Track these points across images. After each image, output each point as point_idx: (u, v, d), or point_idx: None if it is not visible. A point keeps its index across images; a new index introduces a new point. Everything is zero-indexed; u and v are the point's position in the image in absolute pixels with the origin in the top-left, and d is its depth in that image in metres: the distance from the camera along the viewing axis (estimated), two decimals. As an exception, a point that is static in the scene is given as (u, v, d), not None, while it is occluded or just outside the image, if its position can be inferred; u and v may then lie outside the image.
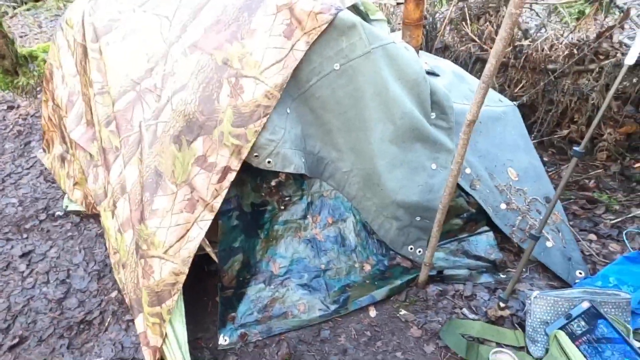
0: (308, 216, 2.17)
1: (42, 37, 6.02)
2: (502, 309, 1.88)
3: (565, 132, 2.94)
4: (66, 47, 2.54)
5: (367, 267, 2.16)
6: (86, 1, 2.22)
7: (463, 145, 1.62)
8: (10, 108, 4.20)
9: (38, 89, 4.47)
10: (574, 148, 1.58)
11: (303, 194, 2.16)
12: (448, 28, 3.55)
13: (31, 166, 3.31)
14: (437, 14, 3.72)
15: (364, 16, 2.59)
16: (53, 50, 2.70)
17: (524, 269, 2.08)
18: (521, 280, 2.05)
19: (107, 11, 2.04)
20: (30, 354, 1.95)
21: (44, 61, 4.63)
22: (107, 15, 2.03)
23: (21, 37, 5.98)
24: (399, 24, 3.91)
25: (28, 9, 7.32)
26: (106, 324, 2.06)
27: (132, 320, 2.03)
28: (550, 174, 2.68)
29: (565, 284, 2.05)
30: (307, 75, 1.92)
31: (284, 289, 2.05)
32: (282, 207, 2.13)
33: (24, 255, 2.47)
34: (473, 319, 1.90)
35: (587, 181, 2.69)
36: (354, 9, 2.53)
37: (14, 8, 7.20)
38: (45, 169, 3.21)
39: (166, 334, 1.75)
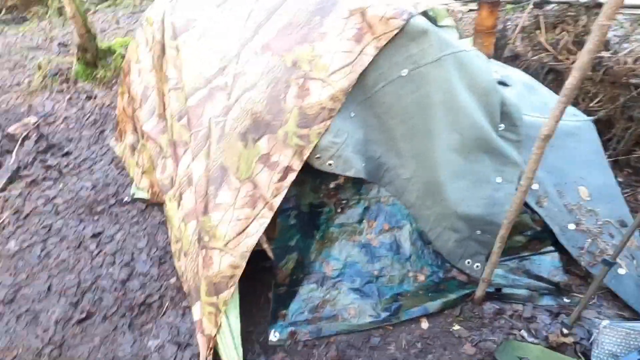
0: (364, 221, 2.16)
1: (119, 33, 6.42)
2: (565, 335, 1.77)
3: (644, 151, 2.73)
4: (145, 43, 2.69)
5: (421, 278, 2.11)
6: (167, 1, 2.35)
7: (535, 160, 1.55)
8: (89, 98, 4.51)
9: (114, 81, 4.77)
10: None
11: (360, 198, 2.16)
12: (520, 36, 3.41)
13: (104, 153, 3.53)
14: (509, 22, 3.59)
15: (433, 22, 2.54)
16: (132, 46, 2.87)
17: (591, 296, 1.96)
18: (588, 307, 1.93)
19: (186, 11, 2.14)
20: (95, 329, 2.08)
21: (121, 55, 4.94)
22: (186, 14, 2.13)
23: (101, 32, 6.40)
24: (466, 30, 3.80)
25: (108, 6, 7.85)
26: (164, 308, 2.16)
27: (189, 307, 2.12)
28: (626, 195, 2.49)
29: (638, 316, 1.90)
30: (374, 80, 1.91)
31: (336, 292, 2.05)
32: (339, 210, 2.14)
33: (94, 236, 2.64)
34: (532, 343, 1.81)
35: (667, 206, 2.49)
36: (423, 14, 2.49)
37: (96, 5, 7.74)
38: (117, 156, 3.41)
39: (221, 324, 1.81)
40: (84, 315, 2.14)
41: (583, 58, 1.30)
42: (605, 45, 2.89)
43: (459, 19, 3.96)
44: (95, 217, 2.80)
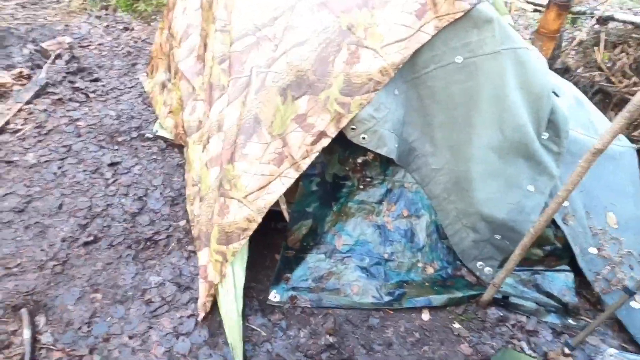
0: (384, 202, 2.12)
1: (165, -30, 6.29)
2: (565, 355, 1.75)
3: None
4: (195, -19, 2.61)
5: (430, 270, 2.09)
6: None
7: (579, 174, 1.49)
8: (125, 29, 4.45)
9: (153, 17, 4.70)
10: None
11: (385, 179, 2.12)
12: (574, 50, 3.28)
13: (133, 86, 3.50)
14: (565, 33, 3.45)
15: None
16: (181, -17, 2.79)
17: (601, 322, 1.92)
18: (593, 333, 1.89)
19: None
20: (100, 254, 2.09)
21: (164, -8, 4.85)
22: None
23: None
24: (520, 33, 3.67)
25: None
26: (170, 248, 2.15)
27: (194, 252, 2.12)
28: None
29: (640, 351, 1.87)
30: (426, 61, 1.84)
31: (343, 266, 2.04)
32: (361, 187, 2.10)
33: (111, 164, 2.63)
34: (530, 356, 1.79)
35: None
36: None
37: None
38: (145, 92, 3.38)
39: (225, 274, 1.80)
40: (90, 239, 2.14)
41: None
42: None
43: (515, 21, 3.82)
44: (115, 147, 2.79)
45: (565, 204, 2.06)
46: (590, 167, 1.48)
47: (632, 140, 2.63)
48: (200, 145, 2.11)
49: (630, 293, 1.56)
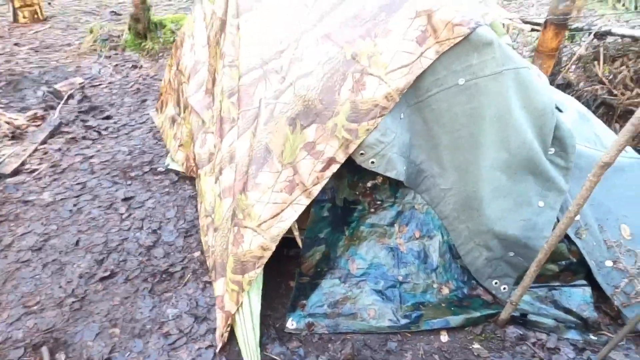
0: (395, 225, 2.14)
1: (170, 10, 6.54)
2: (589, 372, 1.72)
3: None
4: (202, 19, 2.73)
5: (445, 291, 2.08)
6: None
7: (589, 188, 1.51)
8: (134, 67, 4.60)
9: (160, 54, 4.86)
10: None
11: (395, 201, 2.14)
12: (574, 65, 3.34)
13: (143, 122, 3.60)
14: (564, 49, 3.51)
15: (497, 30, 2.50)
16: (189, 20, 2.91)
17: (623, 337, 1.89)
18: (616, 348, 1.86)
19: (253, -10, 2.15)
20: (117, 288, 2.11)
21: (171, 31, 5.03)
22: (252, -6, 2.14)
23: (153, 6, 6.52)
24: (519, 52, 3.74)
25: (162, -18, 7.97)
26: (186, 280, 2.17)
27: (210, 282, 2.13)
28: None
29: (666, 366, 1.83)
30: (429, 85, 1.89)
31: (358, 290, 2.04)
32: (372, 210, 2.12)
33: (125, 199, 2.68)
34: (553, 374, 1.76)
35: None
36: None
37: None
38: (155, 127, 3.47)
39: (242, 303, 1.81)
40: (107, 274, 2.17)
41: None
42: (666, 85, 2.81)
43: (513, 40, 3.90)
44: (129, 182, 2.85)
45: (577, 217, 2.06)
46: (599, 181, 1.49)
47: (638, 152, 2.65)
48: (212, 177, 2.16)
49: (650, 305, 1.54)
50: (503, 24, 2.75)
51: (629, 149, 2.40)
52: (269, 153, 1.87)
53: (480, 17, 1.84)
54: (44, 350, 1.80)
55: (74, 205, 2.61)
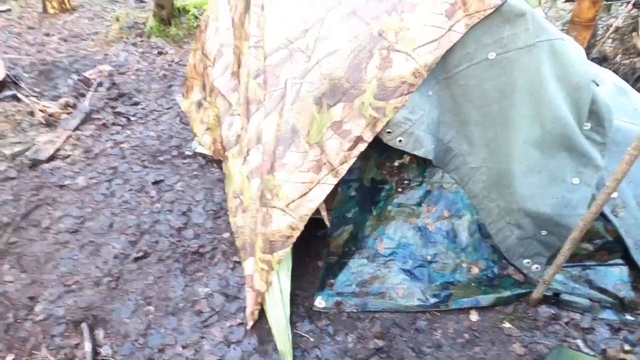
0: (423, 204, 2.11)
1: (193, -5, 6.54)
2: (626, 352, 1.68)
3: None
4: (226, 1, 2.72)
5: (475, 270, 2.06)
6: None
7: (628, 162, 1.45)
8: (160, 53, 4.65)
9: (184, 40, 4.89)
10: None
11: (423, 180, 2.11)
12: (610, 38, 3.19)
13: (170, 107, 3.65)
14: (599, 21, 3.36)
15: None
16: (212, 4, 2.91)
17: (659, 316, 1.84)
18: (654, 328, 1.82)
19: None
20: (150, 268, 2.17)
21: (194, 16, 5.05)
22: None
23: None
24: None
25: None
26: (216, 260, 2.22)
27: (239, 262, 2.17)
28: None
29: None
30: (458, 60, 1.84)
31: (386, 270, 2.04)
32: (400, 190, 2.11)
33: (155, 182, 2.74)
34: (587, 354, 1.73)
35: None
36: None
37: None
38: (182, 111, 3.51)
39: (271, 282, 1.84)
40: (141, 254, 2.24)
41: None
42: None
43: (545, 13, 3.75)
44: (158, 166, 2.91)
45: (614, 195, 1.98)
46: (638, 156, 1.43)
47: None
48: (239, 159, 2.18)
49: (693, 283, 1.49)
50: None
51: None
52: (296, 133, 1.87)
53: (512, -12, 1.77)
54: (84, 326, 1.88)
55: (107, 189, 2.69)
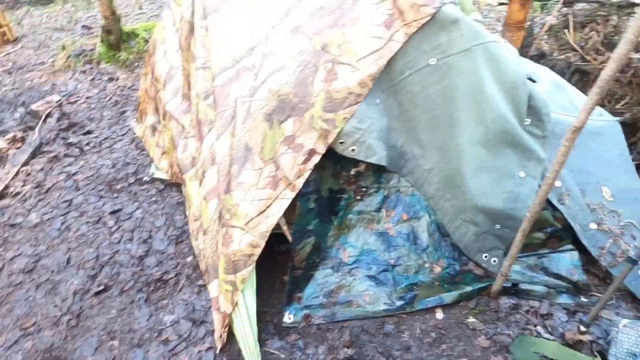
0: (382, 209, 2.16)
1: (142, 18, 6.46)
2: (582, 333, 1.76)
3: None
4: (171, 24, 2.71)
5: (437, 269, 2.11)
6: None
7: (564, 153, 1.53)
8: (111, 80, 4.55)
9: (136, 64, 4.81)
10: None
11: (380, 186, 2.15)
12: (546, 35, 3.37)
13: (124, 134, 3.57)
14: (536, 19, 3.54)
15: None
16: (159, 27, 2.89)
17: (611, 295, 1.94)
18: (606, 307, 1.91)
19: (218, -9, 2.15)
20: (112, 301, 2.11)
21: (144, 39, 4.98)
22: (217, -6, 2.14)
23: (123, 16, 6.44)
24: (491, 27, 3.77)
25: (132, -8, 7.86)
26: (180, 286, 2.18)
27: (204, 285, 2.14)
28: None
29: (656, 319, 1.88)
30: (401, 68, 1.90)
31: (351, 278, 2.06)
32: (358, 197, 2.14)
33: (113, 212, 2.67)
34: (548, 339, 1.80)
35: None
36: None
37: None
38: (137, 137, 3.45)
39: (237, 302, 1.82)
40: (101, 288, 2.17)
41: (621, 49, 1.28)
42: (636, 47, 2.85)
43: (484, 16, 3.92)
44: (115, 195, 2.84)
45: (559, 184, 2.09)
46: (572, 146, 1.52)
47: (616, 114, 2.69)
48: (196, 181, 2.16)
49: (633, 262, 1.58)
50: (473, 1, 2.77)
51: (604, 112, 2.44)
52: (249, 151, 1.87)
53: (444, -4, 1.85)
54: (45, 369, 1.80)
55: (62, 223, 2.60)
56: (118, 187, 2.92)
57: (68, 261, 2.34)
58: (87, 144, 3.42)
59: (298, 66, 1.84)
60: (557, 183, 2.08)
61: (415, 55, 1.86)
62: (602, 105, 2.83)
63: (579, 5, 3.13)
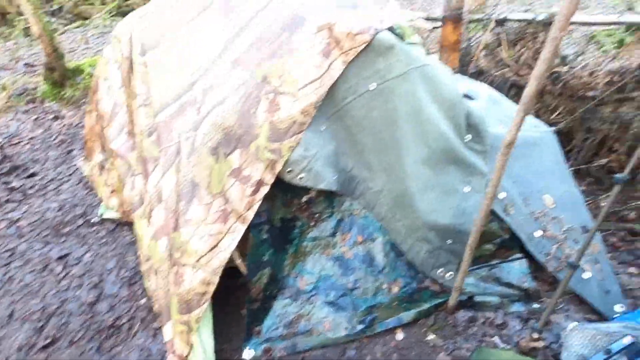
0: (337, 234, 2.16)
1: (89, 53, 6.33)
2: (535, 339, 1.81)
3: (604, 160, 2.86)
4: (113, 60, 2.67)
5: (395, 289, 2.13)
6: (136, 17, 2.35)
7: (500, 167, 1.60)
8: (56, 118, 4.41)
9: (82, 100, 4.69)
10: (616, 175, 1.53)
11: (333, 211, 2.17)
12: (483, 53, 3.54)
13: (72, 174, 3.45)
14: (472, 39, 3.73)
15: (400, 38, 2.62)
16: (101, 63, 2.84)
17: (559, 300, 2.01)
18: (556, 312, 1.97)
19: (155, 27, 2.14)
20: (61, 354, 2.00)
21: (90, 75, 4.87)
22: (154, 31, 2.13)
23: (69, 52, 6.30)
24: (432, 48, 3.93)
25: (77, 27, 7.73)
26: (135, 330, 2.09)
27: (160, 328, 2.06)
28: (588, 203, 2.59)
29: (603, 318, 1.96)
30: (343, 94, 1.95)
31: (310, 306, 2.04)
32: (312, 224, 2.14)
33: (60, 258, 2.55)
34: (504, 349, 1.84)
35: (627, 212, 2.60)
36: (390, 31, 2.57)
37: (64, 25, 7.62)
38: (85, 176, 3.33)
39: (193, 344, 1.77)
40: (49, 341, 2.05)
41: (539, 68, 1.36)
42: (563, 59, 3.05)
43: (425, 37, 4.09)
44: (62, 239, 2.72)
45: (502, 195, 2.17)
46: (507, 160, 1.59)
47: (551, 124, 2.84)
48: (145, 220, 2.10)
49: (572, 267, 1.65)
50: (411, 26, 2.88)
51: (539, 123, 2.57)
52: (196, 186, 1.85)
53: (378, 23, 1.92)
54: None
55: (4, 274, 2.45)
56: (65, 230, 2.79)
57: (11, 315, 2.20)
58: (31, 187, 3.28)
59: (240, 98, 1.85)
60: (501, 195, 2.16)
61: (355, 82, 1.91)
62: (538, 116, 2.99)
63: (509, 24, 3.32)
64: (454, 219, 2.06)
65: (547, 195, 2.30)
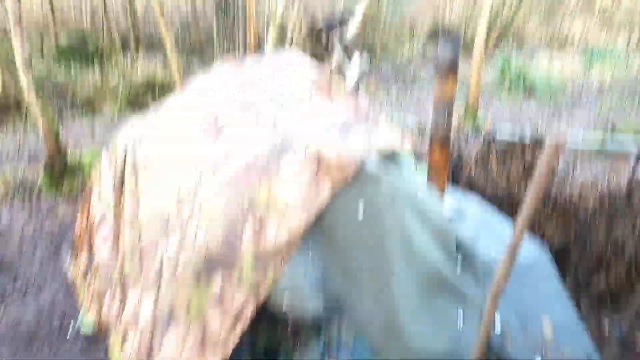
0: (325, 359, 2.03)
1: (93, 145, 6.52)
2: None
3: (602, 280, 2.78)
4: (107, 169, 2.71)
5: None
6: (134, 132, 2.41)
7: (493, 299, 1.54)
8: (50, 213, 4.39)
9: (78, 196, 4.72)
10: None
11: (320, 336, 2.05)
12: (474, 166, 3.63)
13: (55, 276, 3.33)
14: (465, 152, 3.84)
15: (393, 158, 2.67)
16: (96, 170, 2.88)
17: None
18: None
19: (148, 148, 2.20)
20: None
21: (90, 170, 4.96)
22: (147, 152, 2.18)
23: (74, 143, 6.48)
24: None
25: (86, 114, 7.97)
26: None
27: None
28: (589, 323, 2.47)
29: None
30: (330, 221, 1.93)
31: None
32: (297, 352, 2.02)
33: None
34: None
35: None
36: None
37: (74, 115, 7.93)
38: (70, 280, 3.23)
39: None
40: None
41: (526, 210, 1.36)
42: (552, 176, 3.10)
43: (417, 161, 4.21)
44: (33, 355, 2.55)
45: (499, 326, 2.07)
46: (499, 295, 1.53)
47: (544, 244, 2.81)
48: (118, 346, 1.98)
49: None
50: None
51: (532, 244, 2.54)
52: (174, 313, 1.76)
53: (367, 152, 1.96)
54: None
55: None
56: (39, 343, 2.63)
57: None
58: (11, 290, 3.15)
59: (224, 224, 1.83)
60: (498, 325, 2.06)
61: (343, 210, 1.91)
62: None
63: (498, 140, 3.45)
64: (447, 349, 1.94)
65: (546, 321, 2.19)
